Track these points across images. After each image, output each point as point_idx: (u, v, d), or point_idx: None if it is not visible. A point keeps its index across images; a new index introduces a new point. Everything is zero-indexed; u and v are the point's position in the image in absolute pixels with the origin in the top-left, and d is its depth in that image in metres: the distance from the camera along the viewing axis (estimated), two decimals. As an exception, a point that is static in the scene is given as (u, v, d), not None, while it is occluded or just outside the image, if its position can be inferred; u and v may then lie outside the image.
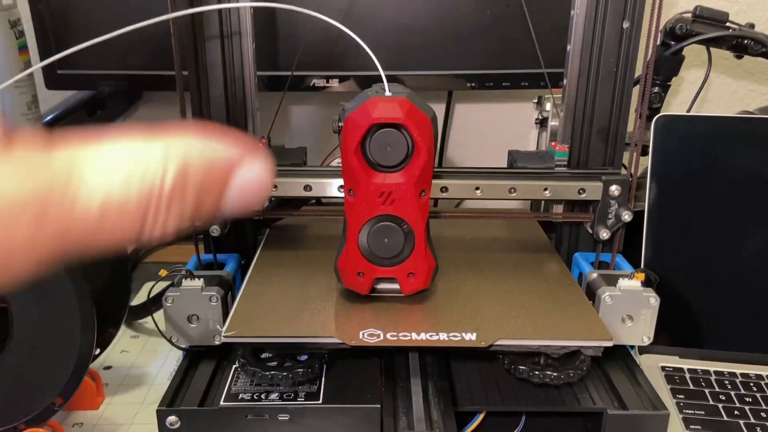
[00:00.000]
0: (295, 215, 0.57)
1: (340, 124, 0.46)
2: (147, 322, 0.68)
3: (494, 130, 0.89)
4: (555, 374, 0.45)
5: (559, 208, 0.58)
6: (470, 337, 0.44)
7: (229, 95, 0.55)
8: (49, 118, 0.79)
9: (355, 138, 0.44)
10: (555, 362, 0.47)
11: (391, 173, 0.45)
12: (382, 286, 0.51)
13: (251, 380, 0.49)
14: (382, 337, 0.44)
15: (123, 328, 0.66)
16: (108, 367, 0.60)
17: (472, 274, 0.54)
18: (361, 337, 0.44)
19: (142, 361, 0.61)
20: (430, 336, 0.44)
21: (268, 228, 0.63)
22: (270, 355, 0.48)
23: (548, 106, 0.77)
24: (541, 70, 0.74)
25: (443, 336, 0.44)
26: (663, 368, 0.58)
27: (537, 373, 0.45)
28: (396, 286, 0.50)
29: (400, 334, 0.44)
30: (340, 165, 0.60)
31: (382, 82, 0.44)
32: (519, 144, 0.69)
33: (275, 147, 0.58)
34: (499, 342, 0.44)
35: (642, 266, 0.59)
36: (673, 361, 0.59)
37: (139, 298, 0.67)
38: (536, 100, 0.79)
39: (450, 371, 0.49)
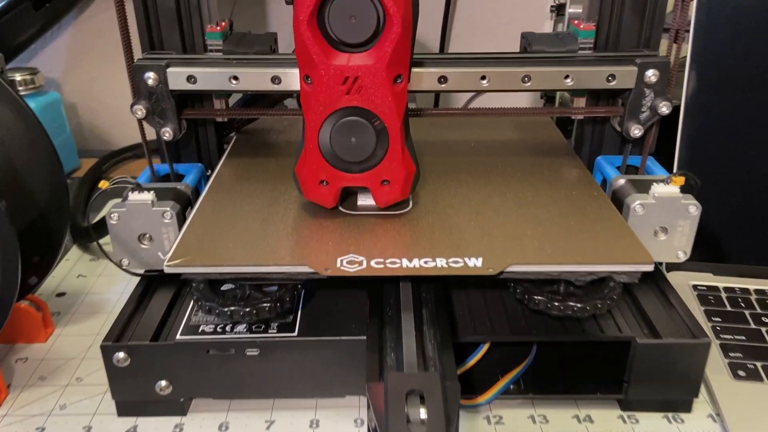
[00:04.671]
0: (261, 115, 0.48)
1: None
2: (108, 243, 0.60)
3: (503, 21, 0.78)
4: (579, 305, 0.37)
5: (580, 105, 0.49)
6: (475, 263, 0.35)
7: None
8: (-12, 13, 0.68)
9: (309, 3, 0.34)
10: (578, 290, 0.39)
11: (356, 53, 0.36)
12: (358, 202, 0.43)
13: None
14: (365, 265, 0.35)
15: (80, 252, 0.59)
16: (61, 294, 0.53)
17: (476, 185, 0.45)
18: (338, 265, 0.36)
19: (101, 287, 0.54)
20: (425, 263, 0.35)
21: (235, 133, 0.54)
22: (232, 285, 0.40)
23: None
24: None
25: (441, 262, 0.35)
26: (695, 287, 0.51)
27: (556, 304, 0.37)
28: (371, 201, 0.41)
29: (387, 261, 0.36)
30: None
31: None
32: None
33: (237, 34, 0.48)
34: (510, 268, 0.35)
35: (675, 171, 0.50)
36: (707, 279, 0.52)
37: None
38: (552, -17, 0.68)
39: (450, 298, 0.41)
